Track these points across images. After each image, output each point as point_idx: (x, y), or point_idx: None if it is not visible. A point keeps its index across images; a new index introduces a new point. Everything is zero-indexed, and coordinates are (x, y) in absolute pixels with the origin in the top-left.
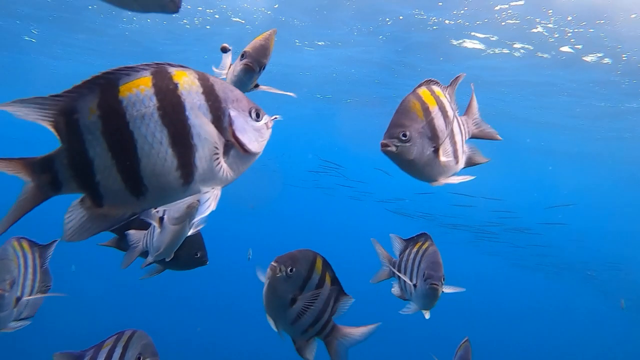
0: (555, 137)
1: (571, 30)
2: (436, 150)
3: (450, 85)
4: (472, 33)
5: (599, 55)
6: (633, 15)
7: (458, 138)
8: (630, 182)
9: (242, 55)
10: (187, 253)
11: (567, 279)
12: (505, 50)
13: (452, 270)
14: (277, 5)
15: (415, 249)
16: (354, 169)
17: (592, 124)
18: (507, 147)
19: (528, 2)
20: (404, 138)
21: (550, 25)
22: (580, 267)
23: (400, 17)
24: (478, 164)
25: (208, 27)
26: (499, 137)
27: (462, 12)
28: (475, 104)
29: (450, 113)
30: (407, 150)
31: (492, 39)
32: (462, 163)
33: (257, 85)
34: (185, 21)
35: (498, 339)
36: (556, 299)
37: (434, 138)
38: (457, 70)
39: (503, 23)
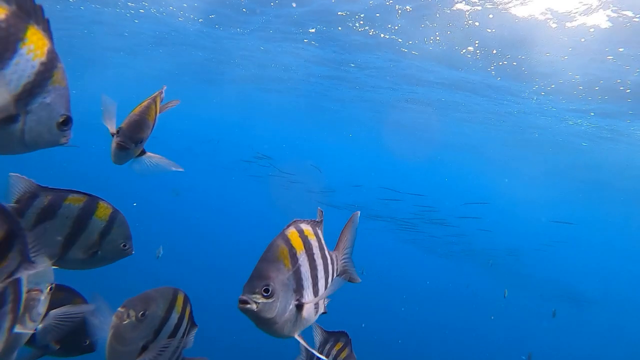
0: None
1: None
2: (299, 305)
3: (322, 221)
4: None
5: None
6: None
7: (322, 283)
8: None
9: (118, 132)
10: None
11: (473, 264)
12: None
13: (374, 256)
14: None
15: (334, 351)
16: (288, 160)
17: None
18: (436, 149)
19: None
20: (266, 294)
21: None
22: (484, 255)
23: None
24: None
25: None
26: (358, 279)
27: None
28: (348, 238)
29: (318, 255)
30: (269, 308)
31: None
32: (322, 308)
33: (143, 152)
34: None
35: (412, 317)
36: (460, 281)
37: (298, 290)
38: None
39: None
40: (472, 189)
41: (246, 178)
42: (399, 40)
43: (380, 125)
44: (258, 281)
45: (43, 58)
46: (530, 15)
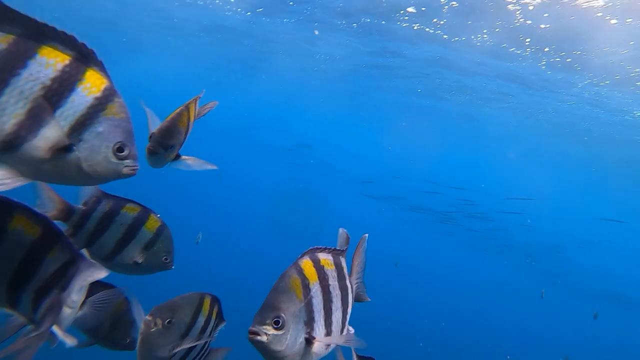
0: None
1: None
2: (310, 339)
3: (342, 249)
4: None
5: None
6: None
7: (337, 315)
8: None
9: (150, 137)
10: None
11: (511, 260)
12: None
13: (410, 248)
14: None
15: None
16: (328, 149)
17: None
18: (480, 141)
19: None
20: (276, 326)
21: None
22: (524, 251)
23: None
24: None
25: None
26: (368, 298)
27: None
28: (360, 261)
29: (335, 286)
30: (279, 340)
31: None
32: (337, 339)
33: (178, 156)
34: None
35: (445, 308)
36: (497, 276)
37: (309, 322)
38: None
39: None
40: (516, 182)
41: (287, 165)
42: (445, 36)
43: (422, 116)
44: (269, 312)
45: (98, 93)
46: (589, 8)
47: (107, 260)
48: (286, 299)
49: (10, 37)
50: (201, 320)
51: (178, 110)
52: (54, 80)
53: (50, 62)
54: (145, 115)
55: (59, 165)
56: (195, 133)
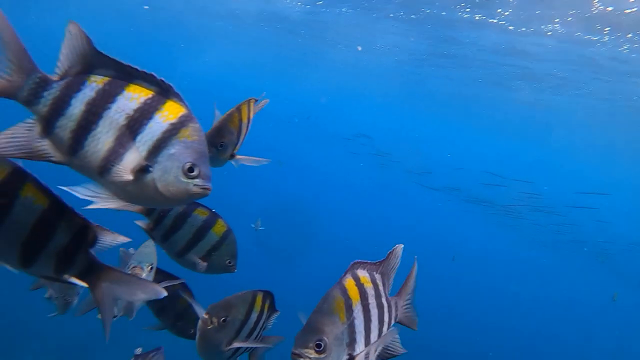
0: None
1: None
2: (350, 359)
3: (383, 263)
4: None
5: None
6: None
7: (374, 335)
8: None
9: None
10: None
11: (580, 258)
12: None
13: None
14: None
15: None
16: (386, 140)
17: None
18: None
19: None
20: (318, 349)
21: None
22: (596, 248)
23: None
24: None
25: None
26: (415, 327)
27: None
28: (411, 284)
29: (374, 305)
30: None
31: None
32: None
33: (232, 156)
34: None
35: (505, 308)
36: (563, 274)
37: (351, 344)
38: None
39: None
40: (590, 175)
41: (346, 155)
42: (510, 27)
43: (484, 106)
44: (311, 335)
45: (174, 120)
46: None
47: (178, 256)
48: (329, 322)
49: (105, 79)
50: (254, 316)
51: (229, 112)
52: (136, 110)
53: (135, 96)
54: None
55: (140, 186)
56: (257, 122)
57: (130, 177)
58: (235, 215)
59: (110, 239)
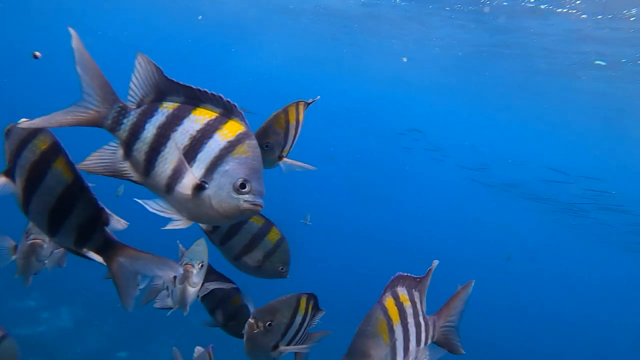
0: None
1: None
2: None
3: (421, 281)
4: None
5: None
6: None
7: (412, 355)
8: None
9: None
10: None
11: None
12: None
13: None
14: None
15: None
16: (440, 134)
17: None
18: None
19: None
20: None
21: None
22: None
23: None
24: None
25: None
26: (461, 351)
27: None
28: (456, 305)
29: (412, 324)
30: None
31: None
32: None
33: (280, 157)
34: None
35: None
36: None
37: None
38: None
39: None
40: None
41: (398, 149)
42: (583, 16)
43: (548, 98)
44: (359, 359)
45: (232, 138)
46: None
47: (234, 260)
48: (374, 345)
49: (176, 104)
50: (299, 319)
51: (275, 112)
52: (198, 131)
53: (200, 118)
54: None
55: (198, 203)
56: (310, 116)
57: (188, 193)
58: (286, 210)
59: (115, 222)
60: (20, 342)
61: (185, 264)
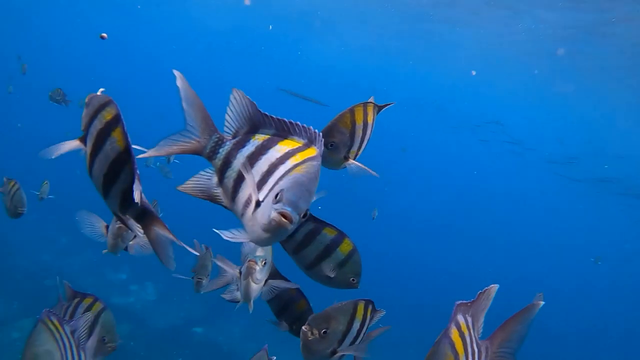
0: None
1: None
2: None
3: (475, 305)
4: None
5: None
6: None
7: None
8: None
9: None
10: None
11: None
12: None
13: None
14: None
15: None
16: (521, 126)
17: None
18: None
19: None
20: None
21: None
22: None
23: None
24: None
25: None
26: None
27: None
28: (513, 330)
29: (469, 352)
30: None
31: None
32: None
33: (346, 158)
34: None
35: None
36: None
37: None
38: None
39: None
40: None
41: (474, 142)
42: None
43: None
44: None
45: (298, 161)
46: None
47: (306, 269)
48: None
49: (267, 136)
50: (356, 325)
51: (342, 112)
52: (278, 159)
53: (283, 148)
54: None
55: (253, 221)
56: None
57: (249, 214)
58: (355, 203)
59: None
60: (114, 309)
61: (249, 261)
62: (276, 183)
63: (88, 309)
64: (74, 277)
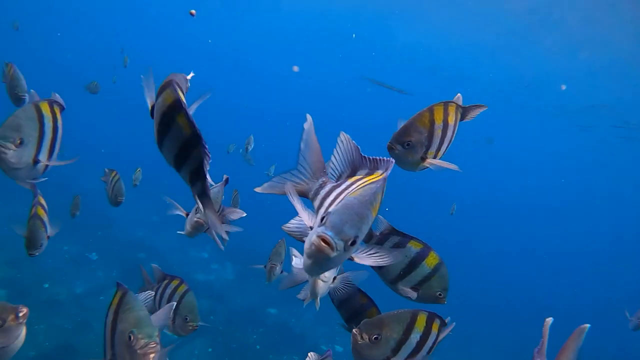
0: None
1: None
2: None
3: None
4: None
5: None
6: None
7: None
8: None
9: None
10: None
11: None
12: None
13: None
14: None
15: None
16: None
17: None
18: None
19: None
20: None
21: None
22: None
23: None
24: None
25: None
26: None
27: None
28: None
29: None
30: None
31: None
32: None
33: (423, 159)
34: None
35: None
36: None
37: None
38: None
39: None
40: None
41: (570, 128)
42: None
43: None
44: None
45: (362, 184)
46: None
47: (391, 284)
48: None
49: (359, 176)
50: (415, 336)
51: (420, 111)
52: (347, 185)
53: (365, 180)
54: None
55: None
56: (469, 98)
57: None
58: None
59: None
60: (197, 285)
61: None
62: (329, 206)
63: (174, 289)
64: (162, 252)
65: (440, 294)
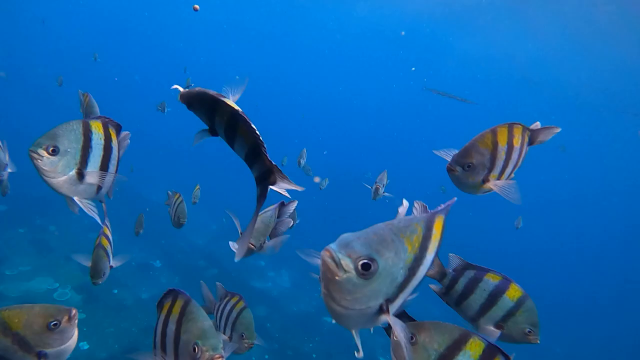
0: None
1: None
2: None
3: None
4: None
5: None
6: None
7: None
8: None
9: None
10: None
11: None
12: None
13: None
14: None
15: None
16: None
17: None
18: None
19: None
20: None
21: None
22: None
23: None
24: None
25: None
26: None
27: None
28: None
29: None
30: None
31: None
32: None
33: (485, 181)
34: None
35: None
36: None
37: None
38: None
39: None
40: None
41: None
42: None
43: None
44: None
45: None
46: None
47: (472, 320)
48: None
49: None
50: (462, 357)
51: (483, 132)
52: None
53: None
54: None
55: None
56: (536, 104)
57: None
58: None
59: (280, 179)
60: (254, 293)
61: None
62: None
63: (233, 306)
64: (220, 260)
65: (530, 331)
